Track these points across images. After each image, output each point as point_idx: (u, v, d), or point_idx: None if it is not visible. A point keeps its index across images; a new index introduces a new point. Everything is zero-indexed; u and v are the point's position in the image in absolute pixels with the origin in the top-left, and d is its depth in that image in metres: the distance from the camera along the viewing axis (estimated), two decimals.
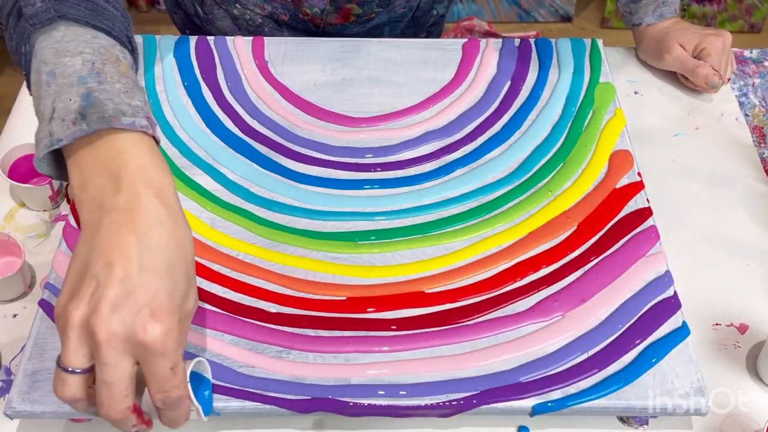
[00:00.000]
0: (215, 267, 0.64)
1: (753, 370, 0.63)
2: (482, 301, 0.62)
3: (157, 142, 0.51)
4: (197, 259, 0.64)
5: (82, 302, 0.44)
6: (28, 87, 0.53)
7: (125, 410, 0.45)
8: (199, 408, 0.50)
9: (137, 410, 0.46)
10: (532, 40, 0.84)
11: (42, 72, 0.50)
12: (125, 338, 0.43)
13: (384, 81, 0.80)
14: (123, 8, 0.56)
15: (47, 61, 0.50)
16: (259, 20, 0.89)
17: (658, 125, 0.81)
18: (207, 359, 0.56)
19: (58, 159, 0.51)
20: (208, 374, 0.54)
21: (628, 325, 0.61)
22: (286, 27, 0.91)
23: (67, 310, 0.44)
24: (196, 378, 0.52)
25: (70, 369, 0.44)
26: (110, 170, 0.47)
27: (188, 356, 0.55)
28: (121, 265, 0.44)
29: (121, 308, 0.43)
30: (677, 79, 0.85)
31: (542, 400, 0.56)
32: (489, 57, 0.82)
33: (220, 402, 0.56)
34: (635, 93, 0.85)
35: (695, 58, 0.83)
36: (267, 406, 0.56)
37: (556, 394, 0.57)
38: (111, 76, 0.50)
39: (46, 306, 0.60)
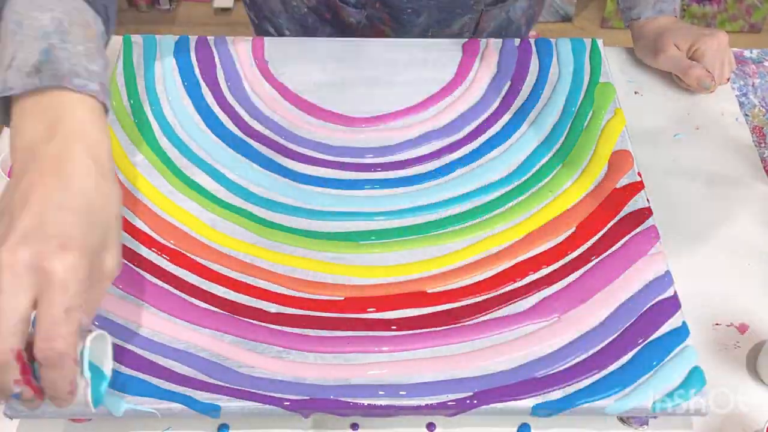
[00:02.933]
0: (215, 267, 0.64)
1: (753, 370, 0.63)
2: (482, 301, 0.62)
3: (107, 110, 0.51)
4: (198, 259, 0.64)
5: None
6: None
7: (7, 350, 0.42)
8: (88, 380, 0.46)
9: (20, 359, 0.42)
10: (532, 40, 0.84)
11: (10, 20, 0.51)
12: (28, 266, 0.42)
13: (384, 81, 0.80)
14: None
15: (18, 12, 0.51)
16: (305, 10, 0.91)
17: (658, 125, 0.81)
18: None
19: (9, 106, 0.51)
20: (109, 368, 0.49)
21: (627, 325, 0.61)
22: (329, 25, 0.92)
23: None
24: (96, 371, 0.48)
25: None
26: (49, 120, 0.48)
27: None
28: (38, 202, 0.44)
29: (30, 238, 0.43)
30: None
31: (542, 400, 0.56)
32: (489, 57, 0.82)
33: (220, 402, 0.56)
34: (635, 93, 0.85)
35: (690, 58, 0.83)
36: (267, 406, 0.56)
37: (556, 394, 0.57)
38: (75, 37, 0.51)
39: None
